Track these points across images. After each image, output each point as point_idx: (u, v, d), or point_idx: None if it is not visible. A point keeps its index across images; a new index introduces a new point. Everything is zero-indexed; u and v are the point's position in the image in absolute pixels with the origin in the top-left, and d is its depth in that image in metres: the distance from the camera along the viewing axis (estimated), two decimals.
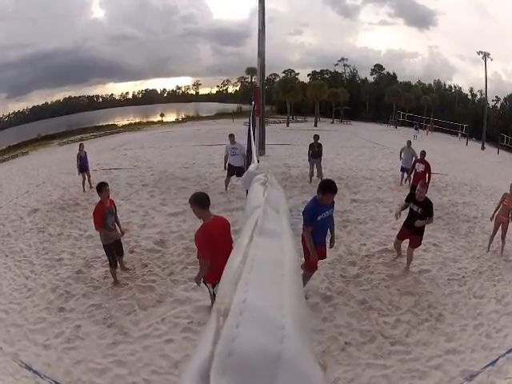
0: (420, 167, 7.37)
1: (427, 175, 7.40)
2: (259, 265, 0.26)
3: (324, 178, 9.55)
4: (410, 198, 4.90)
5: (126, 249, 5.69)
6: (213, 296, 3.55)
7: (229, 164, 8.02)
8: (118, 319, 4.03)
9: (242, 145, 7.86)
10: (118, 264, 4.90)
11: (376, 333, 3.84)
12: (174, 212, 7.13)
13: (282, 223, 0.34)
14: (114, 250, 4.69)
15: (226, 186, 8.30)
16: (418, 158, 8.51)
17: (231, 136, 7.97)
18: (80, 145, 9.40)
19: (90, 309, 4.23)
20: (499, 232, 5.76)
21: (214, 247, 3.01)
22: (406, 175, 9.32)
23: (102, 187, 4.58)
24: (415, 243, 4.94)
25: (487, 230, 6.74)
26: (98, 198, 8.09)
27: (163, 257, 5.41)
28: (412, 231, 4.84)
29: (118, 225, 4.88)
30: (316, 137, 9.26)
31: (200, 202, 3.10)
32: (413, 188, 7.26)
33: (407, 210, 5.00)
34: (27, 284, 4.82)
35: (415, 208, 4.75)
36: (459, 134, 28.30)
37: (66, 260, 5.42)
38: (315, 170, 9.25)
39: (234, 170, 7.90)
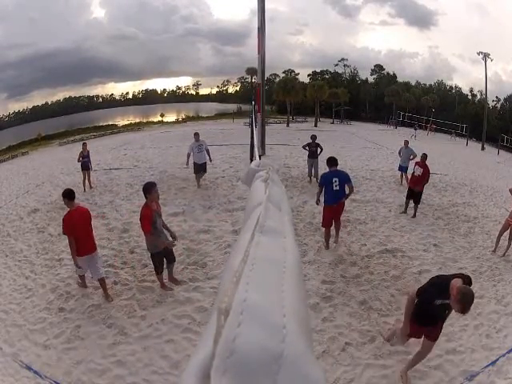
0: (418, 171, 7.07)
1: (425, 179, 7.13)
2: (260, 263, 0.26)
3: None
4: (437, 295, 2.79)
5: (127, 249, 5.71)
6: (80, 278, 4.49)
7: (194, 163, 8.52)
8: (118, 319, 4.03)
9: (204, 141, 8.74)
10: (167, 273, 4.61)
11: (376, 333, 3.84)
12: (174, 212, 7.13)
13: (283, 221, 0.34)
14: (162, 259, 4.38)
15: (198, 183, 8.74)
16: (416, 158, 8.65)
17: (196, 134, 8.57)
18: (83, 144, 9.40)
19: (89, 309, 4.23)
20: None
21: (76, 228, 3.99)
22: (404, 174, 9.38)
23: (151, 188, 3.99)
24: (436, 334, 3.08)
25: (487, 231, 6.76)
26: (98, 199, 8.23)
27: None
28: (431, 324, 3.05)
29: (168, 229, 4.47)
30: (313, 137, 9.31)
31: (69, 195, 4.15)
32: (410, 191, 7.29)
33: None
34: (27, 284, 4.82)
35: (440, 302, 2.81)
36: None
37: (66, 260, 5.41)
38: (312, 170, 9.28)
39: (201, 167, 8.58)
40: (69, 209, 4.11)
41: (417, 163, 7.25)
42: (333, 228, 5.72)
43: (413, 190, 7.15)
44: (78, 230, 4.00)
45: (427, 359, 3.48)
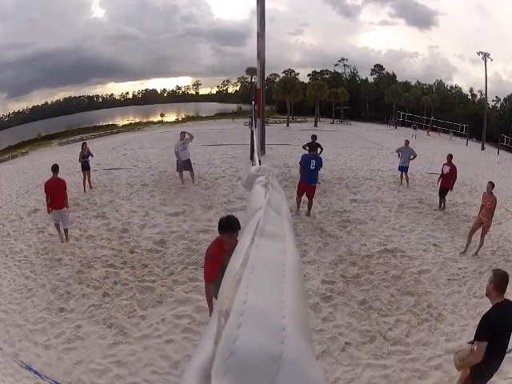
0: (446, 169, 7.80)
1: (453, 177, 7.80)
2: (260, 266, 0.26)
3: (322, 178, 9.62)
4: None
5: (127, 249, 5.71)
6: (55, 226, 6.11)
7: (177, 161, 8.84)
8: (118, 319, 4.04)
9: (188, 138, 8.96)
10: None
11: (376, 333, 3.85)
12: (174, 212, 7.14)
13: (283, 225, 0.35)
14: None
15: (182, 180, 8.98)
16: (415, 158, 9.49)
17: (182, 133, 8.90)
18: (83, 144, 9.39)
19: (90, 309, 4.23)
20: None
21: (51, 190, 5.92)
22: (404, 175, 9.40)
23: (235, 226, 2.91)
24: None
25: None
26: (98, 199, 8.24)
27: (163, 257, 5.41)
28: None
29: None
30: (314, 137, 9.29)
31: (54, 169, 6.06)
32: (440, 190, 7.90)
33: None
34: (27, 284, 4.82)
35: None
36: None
37: (66, 260, 5.42)
38: None
39: (183, 165, 8.85)
40: (51, 176, 6.08)
41: (445, 164, 7.92)
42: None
43: (443, 187, 7.81)
44: (53, 192, 5.95)
45: (427, 359, 3.49)
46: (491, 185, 5.83)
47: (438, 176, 8.16)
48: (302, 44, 49.75)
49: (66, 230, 6.07)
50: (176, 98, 46.19)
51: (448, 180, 7.79)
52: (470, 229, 5.83)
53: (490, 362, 2.68)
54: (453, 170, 7.79)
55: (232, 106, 39.19)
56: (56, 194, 5.95)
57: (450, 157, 7.92)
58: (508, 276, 2.74)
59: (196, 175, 9.31)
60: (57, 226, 6.10)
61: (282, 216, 0.36)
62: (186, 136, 8.90)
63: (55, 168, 6.10)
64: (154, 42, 42.28)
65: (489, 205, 5.64)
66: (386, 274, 5.02)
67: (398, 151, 9.66)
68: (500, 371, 3.37)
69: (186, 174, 9.05)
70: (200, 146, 14.96)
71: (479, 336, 2.61)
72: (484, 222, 5.72)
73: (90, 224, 6.74)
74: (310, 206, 7.02)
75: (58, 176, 6.16)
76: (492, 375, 2.81)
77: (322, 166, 6.80)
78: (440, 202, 7.92)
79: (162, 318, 4.05)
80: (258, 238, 0.29)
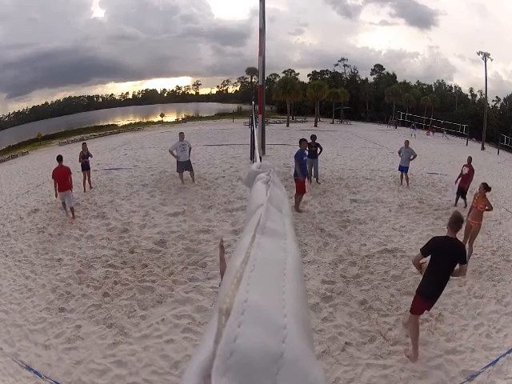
0: (465, 170, 8.20)
1: (470, 177, 8.20)
2: (261, 264, 0.26)
3: (322, 178, 9.63)
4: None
5: (127, 249, 5.70)
6: (62, 204, 7.17)
7: (178, 161, 8.87)
8: (118, 319, 4.03)
9: (187, 141, 9.12)
10: None
11: (376, 333, 3.84)
12: (174, 212, 7.14)
13: (284, 223, 0.34)
14: None
15: (182, 180, 9.02)
16: (415, 158, 9.58)
17: (181, 134, 8.95)
18: (83, 144, 9.43)
19: (90, 309, 4.23)
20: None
21: (57, 176, 6.90)
22: (404, 174, 9.41)
23: None
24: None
25: (487, 230, 6.75)
26: (98, 199, 8.25)
27: (163, 257, 5.41)
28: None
29: None
30: (313, 137, 9.29)
31: (59, 159, 7.02)
32: (459, 189, 8.15)
33: None
34: (27, 284, 4.82)
35: None
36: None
37: (66, 260, 5.42)
38: (312, 170, 9.27)
39: (183, 165, 8.90)
40: (57, 165, 7.00)
41: (464, 165, 8.30)
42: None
43: (463, 187, 8.13)
44: (59, 177, 6.90)
45: (427, 359, 3.49)
46: (484, 186, 5.59)
47: (457, 176, 8.40)
48: (302, 44, 49.83)
49: (71, 208, 7.03)
50: (176, 98, 46.27)
51: (466, 180, 8.14)
52: (464, 237, 5.39)
53: (428, 282, 3.38)
54: (470, 171, 8.22)
55: (232, 106, 39.25)
56: (61, 179, 6.89)
57: (469, 159, 8.34)
58: (459, 218, 3.44)
59: (196, 175, 9.30)
60: (63, 205, 7.06)
61: (283, 213, 0.36)
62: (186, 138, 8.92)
63: (59, 158, 7.06)
64: (154, 42, 42.39)
65: (481, 207, 5.47)
66: (385, 274, 5.02)
67: (399, 152, 9.65)
68: (500, 371, 3.37)
69: (185, 173, 9.04)
70: (200, 146, 14.97)
71: (421, 248, 3.43)
72: (473, 224, 5.44)
73: (90, 224, 6.74)
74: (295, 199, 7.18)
75: (63, 164, 7.05)
76: (431, 299, 3.41)
77: (296, 159, 7.04)
78: (456, 200, 8.20)
79: (162, 318, 4.05)
80: (259, 236, 0.29)
